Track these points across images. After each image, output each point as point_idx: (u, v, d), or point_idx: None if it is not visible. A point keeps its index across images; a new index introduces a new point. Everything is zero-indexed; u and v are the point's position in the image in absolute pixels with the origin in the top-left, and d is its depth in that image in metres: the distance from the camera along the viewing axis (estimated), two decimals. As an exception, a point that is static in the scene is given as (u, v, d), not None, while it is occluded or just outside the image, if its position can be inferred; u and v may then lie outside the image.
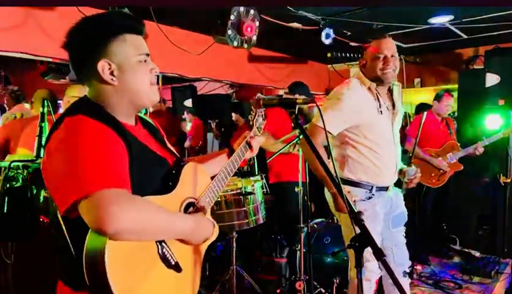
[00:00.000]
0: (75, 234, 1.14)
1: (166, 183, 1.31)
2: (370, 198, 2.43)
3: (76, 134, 1.12)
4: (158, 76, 1.38)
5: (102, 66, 1.20)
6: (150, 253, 1.20)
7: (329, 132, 2.35)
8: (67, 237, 1.17)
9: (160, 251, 1.22)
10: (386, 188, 2.49)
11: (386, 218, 2.52)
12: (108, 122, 1.18)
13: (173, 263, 1.26)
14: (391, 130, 2.48)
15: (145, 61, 1.26)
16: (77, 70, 1.26)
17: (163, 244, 1.24)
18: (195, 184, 1.44)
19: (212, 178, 1.54)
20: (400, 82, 2.56)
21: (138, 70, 1.25)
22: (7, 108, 4.30)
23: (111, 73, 1.22)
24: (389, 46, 2.38)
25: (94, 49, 1.21)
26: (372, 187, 2.43)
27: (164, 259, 1.23)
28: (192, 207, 1.40)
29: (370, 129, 2.40)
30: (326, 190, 2.53)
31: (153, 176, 1.28)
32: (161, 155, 1.36)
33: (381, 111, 2.39)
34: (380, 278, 2.55)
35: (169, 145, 1.50)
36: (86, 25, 1.23)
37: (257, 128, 1.78)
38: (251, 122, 1.78)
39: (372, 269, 2.38)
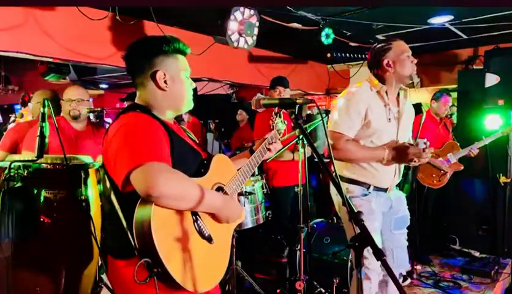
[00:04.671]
0: (127, 208, 1.40)
1: (199, 170, 1.59)
2: (365, 195, 2.46)
3: (132, 122, 1.46)
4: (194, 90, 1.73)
5: (159, 75, 1.54)
6: (187, 223, 1.44)
7: (348, 135, 2.39)
8: (119, 214, 1.44)
9: (195, 222, 1.47)
10: (384, 190, 2.51)
11: (386, 218, 2.53)
12: (155, 118, 1.51)
13: (206, 234, 1.50)
14: (395, 136, 2.50)
15: (187, 77, 1.63)
16: (135, 76, 1.59)
17: (197, 216, 1.48)
18: (223, 172, 1.69)
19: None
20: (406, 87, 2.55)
21: (185, 83, 1.61)
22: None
23: (165, 82, 1.55)
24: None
25: (154, 61, 1.54)
26: (369, 186, 2.46)
27: (199, 230, 1.48)
28: (221, 191, 1.63)
29: (374, 132, 2.42)
30: (331, 191, 2.57)
31: (189, 163, 1.55)
32: (195, 148, 1.64)
33: (389, 119, 2.43)
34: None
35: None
36: (149, 42, 1.59)
37: (277, 130, 1.96)
38: (271, 127, 1.96)
39: (373, 267, 2.38)
